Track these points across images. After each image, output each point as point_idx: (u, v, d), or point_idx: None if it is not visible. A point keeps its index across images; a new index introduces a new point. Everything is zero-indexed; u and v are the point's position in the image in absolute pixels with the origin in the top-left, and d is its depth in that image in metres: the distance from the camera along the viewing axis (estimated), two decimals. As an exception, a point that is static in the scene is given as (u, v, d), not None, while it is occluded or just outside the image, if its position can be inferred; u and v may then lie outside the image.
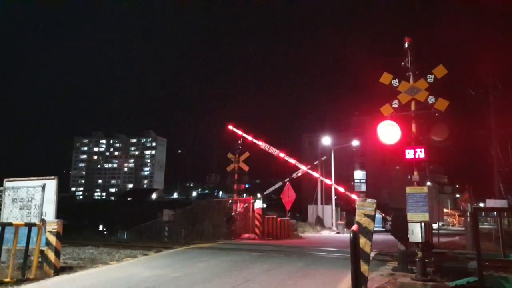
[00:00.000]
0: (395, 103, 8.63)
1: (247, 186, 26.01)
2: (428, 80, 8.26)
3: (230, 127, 23.06)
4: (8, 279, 7.25)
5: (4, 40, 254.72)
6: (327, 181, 25.86)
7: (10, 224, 7.75)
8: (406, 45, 8.60)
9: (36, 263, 7.96)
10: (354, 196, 19.14)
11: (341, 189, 24.82)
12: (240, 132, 22.59)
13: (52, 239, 8.33)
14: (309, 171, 24.10)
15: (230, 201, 22.82)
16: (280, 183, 22.68)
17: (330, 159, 36.34)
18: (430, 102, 8.16)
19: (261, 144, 22.41)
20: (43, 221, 8.49)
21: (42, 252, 8.26)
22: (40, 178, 9.21)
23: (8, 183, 9.44)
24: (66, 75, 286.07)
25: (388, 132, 8.35)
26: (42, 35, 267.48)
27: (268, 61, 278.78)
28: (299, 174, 23.81)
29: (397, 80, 8.71)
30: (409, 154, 8.08)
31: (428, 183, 8.54)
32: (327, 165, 37.51)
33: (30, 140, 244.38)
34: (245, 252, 12.79)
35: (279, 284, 7.70)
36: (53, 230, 8.38)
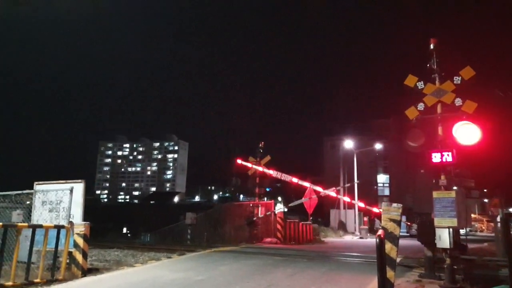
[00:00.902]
0: (421, 106, 8.49)
1: (268, 189, 25.92)
2: (455, 82, 8.09)
3: (239, 161, 22.76)
4: (38, 280, 7.45)
5: (33, 46, 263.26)
6: (345, 199, 24.99)
7: (41, 226, 7.97)
8: (432, 47, 8.46)
9: (64, 264, 8.15)
10: (375, 210, 18.65)
11: (361, 205, 24.30)
12: (249, 165, 22.33)
13: (80, 241, 8.50)
14: (328, 192, 23.49)
15: (251, 205, 22.83)
16: (305, 199, 22.22)
17: (352, 162, 35.93)
18: (457, 104, 7.98)
19: (272, 172, 22.03)
20: (71, 223, 8.68)
21: (70, 253, 8.44)
22: (68, 181, 9.44)
23: (38, 186, 9.71)
24: (92, 81, 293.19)
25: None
26: (70, 40, 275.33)
27: (290, 64, 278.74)
28: (320, 194, 23.05)
29: (422, 82, 8.57)
30: (436, 157, 7.92)
31: (455, 188, 8.34)
32: (349, 169, 37.13)
33: (57, 145, 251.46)
34: (268, 256, 12.76)
35: (303, 288, 7.64)
36: (81, 232, 8.56)
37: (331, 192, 23.57)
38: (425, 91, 8.47)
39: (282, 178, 22.00)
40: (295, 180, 21.55)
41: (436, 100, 8.30)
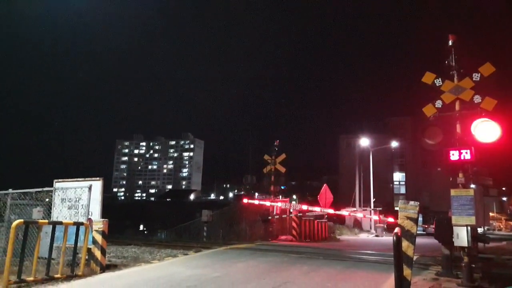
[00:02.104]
0: (438, 103, 8.38)
1: (283, 187, 25.87)
2: (474, 79, 7.95)
3: (245, 200, 22.01)
4: (59, 275, 7.62)
5: (50, 46, 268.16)
6: (359, 215, 24.25)
7: (61, 223, 8.13)
8: (450, 43, 8.33)
9: (84, 260, 8.31)
10: (390, 220, 18.30)
11: (376, 218, 23.94)
12: (256, 201, 21.62)
13: (98, 238, 8.66)
14: (342, 212, 22.73)
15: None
16: (320, 210, 21.74)
17: (368, 161, 35.64)
18: (476, 102, 7.85)
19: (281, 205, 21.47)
20: (90, 220, 8.86)
21: (89, 250, 8.59)
22: (86, 179, 9.62)
23: (57, 184, 9.92)
24: (108, 80, 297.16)
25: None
26: (89, 38, 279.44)
27: (306, 62, 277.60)
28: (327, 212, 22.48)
29: (440, 79, 8.45)
30: (454, 155, 7.81)
31: (472, 186, 8.22)
32: (365, 168, 36.85)
33: (76, 144, 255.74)
34: (283, 254, 12.78)
35: (319, 286, 7.64)
36: (99, 229, 8.71)
37: (344, 212, 23.25)
38: (443, 88, 8.35)
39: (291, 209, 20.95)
40: (304, 207, 20.95)
41: (455, 97, 8.18)
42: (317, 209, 21.84)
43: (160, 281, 7.73)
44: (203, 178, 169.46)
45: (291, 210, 20.93)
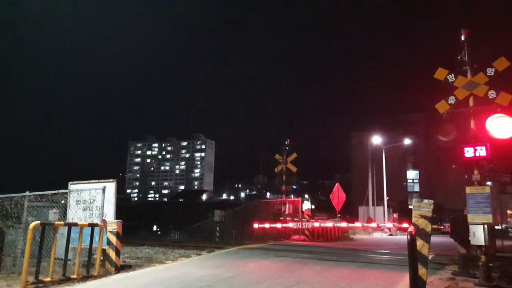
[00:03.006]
0: (452, 99, 8.26)
1: (294, 187, 25.74)
2: (488, 74, 7.82)
3: (256, 225, 20.19)
4: (75, 276, 7.73)
5: (64, 50, 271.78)
6: (373, 225, 23.49)
7: (76, 224, 8.24)
8: (463, 38, 8.21)
9: (99, 261, 8.42)
10: (405, 225, 18.00)
11: (390, 225, 23.56)
12: (267, 225, 19.81)
13: (113, 239, 8.75)
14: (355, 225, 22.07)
15: (278, 202, 22.81)
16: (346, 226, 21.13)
17: (380, 158, 35.32)
18: (490, 97, 7.72)
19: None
20: (104, 221, 8.96)
21: (103, 251, 8.70)
22: (100, 181, 9.72)
23: (72, 186, 10.06)
24: (122, 84, 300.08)
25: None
26: (102, 40, 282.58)
27: (317, 59, 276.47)
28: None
29: (453, 75, 8.33)
30: (468, 152, 7.69)
31: (488, 183, 8.08)
32: (377, 165, 36.53)
33: (89, 146, 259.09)
34: (296, 254, 12.75)
35: (333, 286, 7.59)
36: (114, 230, 8.81)
37: (358, 224, 22.85)
38: (456, 84, 8.23)
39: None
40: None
41: (468, 93, 8.06)
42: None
43: (174, 281, 7.77)
44: (214, 178, 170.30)
45: (303, 210, 20.84)
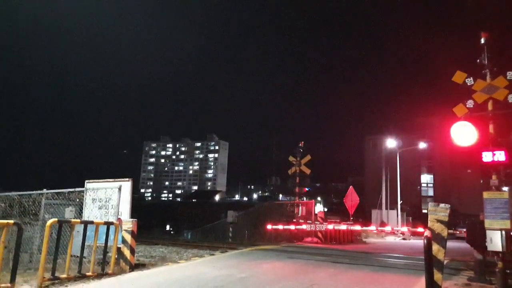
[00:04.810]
0: (470, 103, 8.14)
1: (308, 189, 25.64)
2: (508, 77, 7.69)
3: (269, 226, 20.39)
4: (90, 273, 7.82)
5: (77, 45, 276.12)
6: (387, 229, 23.20)
7: (92, 222, 8.35)
8: (483, 41, 8.09)
9: (114, 259, 8.50)
10: (420, 229, 17.69)
11: (405, 229, 23.27)
12: None
13: (128, 237, 8.84)
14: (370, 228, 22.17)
15: (291, 204, 22.77)
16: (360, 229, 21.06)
17: (394, 162, 34.96)
18: (510, 101, 7.60)
19: None
20: (119, 220, 9.05)
21: (118, 249, 8.77)
22: (116, 180, 9.83)
23: (88, 184, 10.20)
24: (137, 85, 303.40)
25: (463, 133, 7.85)
26: (117, 40, 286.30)
27: (331, 62, 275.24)
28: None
29: (471, 78, 8.22)
30: (487, 156, 7.57)
31: (505, 188, 7.95)
32: (391, 169, 36.14)
33: (105, 145, 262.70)
34: (309, 256, 12.70)
35: (346, 289, 7.56)
36: (128, 229, 8.89)
37: (372, 227, 22.72)
38: (475, 88, 8.11)
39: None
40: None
41: (487, 96, 7.94)
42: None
43: (187, 281, 7.82)
44: (227, 179, 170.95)
45: (316, 212, 20.74)
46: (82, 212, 10.00)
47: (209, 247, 14.67)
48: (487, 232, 7.32)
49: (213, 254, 12.26)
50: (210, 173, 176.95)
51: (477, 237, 7.81)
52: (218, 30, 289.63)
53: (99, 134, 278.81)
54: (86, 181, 10.30)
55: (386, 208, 34.29)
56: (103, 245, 8.37)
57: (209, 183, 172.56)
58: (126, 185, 9.56)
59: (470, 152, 8.24)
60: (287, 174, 24.32)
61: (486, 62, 8.04)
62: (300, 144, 23.35)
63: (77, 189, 10.08)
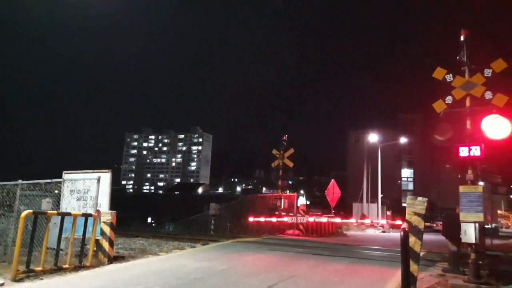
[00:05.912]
0: (449, 99, 8.28)
1: (291, 182, 25.79)
2: (485, 75, 7.84)
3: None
4: (67, 265, 7.71)
5: (60, 39, 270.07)
6: (367, 221, 23.55)
7: (69, 214, 8.20)
8: (462, 38, 8.21)
9: (92, 251, 8.40)
10: (399, 222, 17.98)
11: (383, 222, 23.68)
12: None
13: (107, 229, 8.75)
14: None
15: (274, 197, 22.87)
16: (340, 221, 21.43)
17: (376, 156, 35.45)
18: (487, 98, 7.75)
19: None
20: (98, 212, 8.94)
21: (97, 241, 8.67)
22: (95, 171, 9.70)
23: (66, 175, 10.02)
24: (118, 75, 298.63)
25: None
26: (97, 33, 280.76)
27: (315, 56, 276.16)
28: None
29: (451, 75, 8.35)
30: (463, 152, 7.73)
31: (480, 183, 8.14)
32: (373, 163, 36.64)
33: (85, 136, 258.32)
34: (290, 248, 12.81)
35: (326, 280, 7.65)
36: (107, 221, 8.79)
37: (352, 220, 23.02)
38: (454, 84, 8.25)
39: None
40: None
41: (465, 93, 8.08)
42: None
43: (167, 273, 7.79)
44: (211, 172, 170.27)
45: (298, 205, 20.89)
46: (59, 204, 9.82)
47: (190, 240, 14.61)
48: (462, 224, 7.49)
49: (194, 247, 12.24)
50: (193, 166, 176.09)
51: (452, 230, 8.00)
52: (199, 22, 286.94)
53: (79, 125, 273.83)
54: (64, 171, 10.12)
55: (367, 202, 34.80)
56: (81, 237, 8.25)
57: (192, 176, 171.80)
58: (105, 176, 9.45)
59: (448, 148, 8.38)
60: (270, 167, 24.41)
61: (465, 59, 8.17)
62: (284, 138, 23.43)
63: (54, 180, 9.87)
